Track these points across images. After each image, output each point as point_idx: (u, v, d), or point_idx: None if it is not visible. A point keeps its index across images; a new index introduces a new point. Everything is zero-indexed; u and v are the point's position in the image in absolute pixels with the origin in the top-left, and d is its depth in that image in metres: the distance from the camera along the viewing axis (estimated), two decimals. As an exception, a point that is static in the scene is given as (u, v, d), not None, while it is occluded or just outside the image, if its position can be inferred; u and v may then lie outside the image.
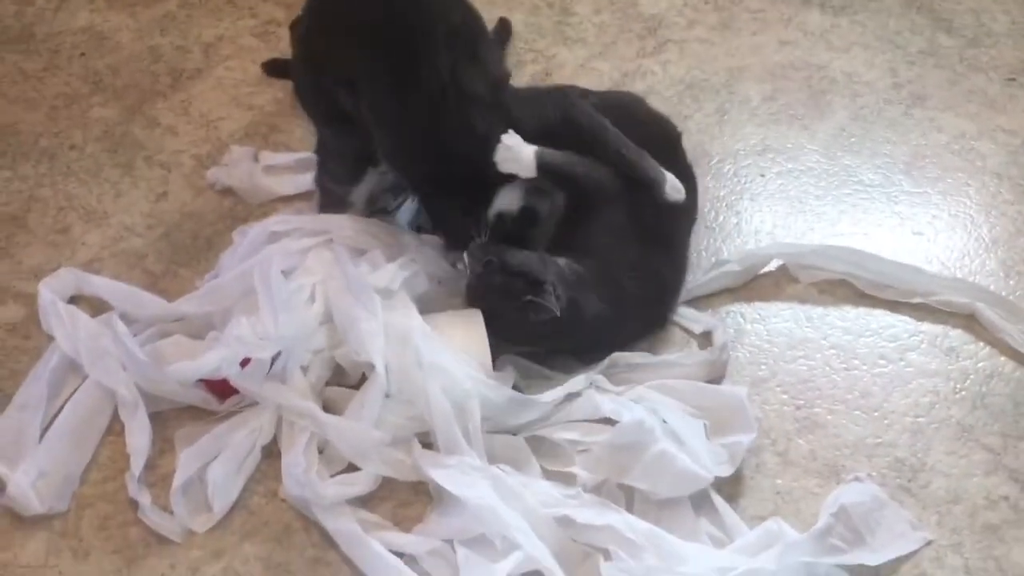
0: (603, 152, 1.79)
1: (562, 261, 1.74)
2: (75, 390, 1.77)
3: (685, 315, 1.85)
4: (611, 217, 1.78)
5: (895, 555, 1.60)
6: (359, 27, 1.80)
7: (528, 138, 1.77)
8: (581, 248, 1.77)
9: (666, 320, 1.84)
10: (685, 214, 1.86)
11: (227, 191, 2.04)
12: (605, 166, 1.80)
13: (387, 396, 1.68)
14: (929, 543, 1.62)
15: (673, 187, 1.80)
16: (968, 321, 1.85)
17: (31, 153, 2.12)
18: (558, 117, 1.81)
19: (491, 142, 1.76)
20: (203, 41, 2.31)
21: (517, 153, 1.76)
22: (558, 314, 1.68)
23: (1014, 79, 2.21)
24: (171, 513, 1.65)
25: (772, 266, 1.91)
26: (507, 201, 1.79)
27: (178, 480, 1.66)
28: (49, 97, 2.21)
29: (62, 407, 1.75)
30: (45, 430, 1.73)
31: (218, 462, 1.68)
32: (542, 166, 1.76)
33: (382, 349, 1.68)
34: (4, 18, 2.36)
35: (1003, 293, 1.89)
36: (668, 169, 1.82)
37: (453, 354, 1.69)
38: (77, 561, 1.62)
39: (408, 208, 1.94)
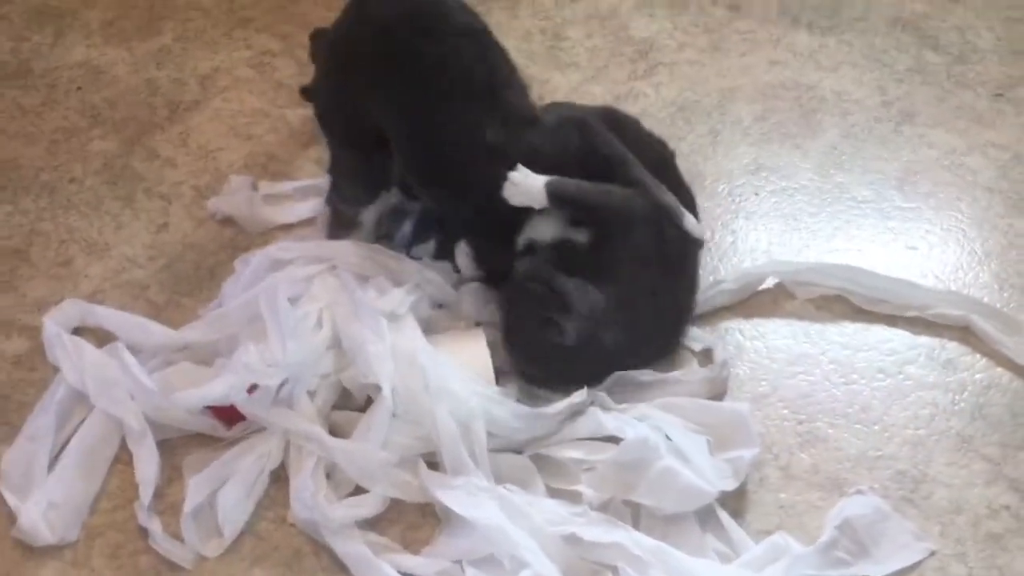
0: (624, 182, 1.81)
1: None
2: (82, 420, 1.77)
3: None
4: (628, 243, 1.80)
5: (900, 566, 1.61)
6: (378, 70, 1.84)
7: (548, 170, 1.79)
8: (600, 274, 1.78)
9: (678, 345, 1.85)
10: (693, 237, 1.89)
11: (227, 221, 2.05)
12: (622, 191, 1.82)
13: (394, 416, 1.70)
14: (933, 553, 1.63)
15: (692, 224, 1.83)
16: (964, 334, 1.88)
17: (31, 187, 2.13)
18: (580, 148, 1.83)
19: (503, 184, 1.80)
20: (199, 73, 2.33)
21: (526, 187, 1.78)
22: (570, 343, 1.70)
23: (1001, 94, 2.24)
24: (181, 540, 1.66)
25: (769, 283, 1.94)
26: (541, 230, 1.82)
27: (188, 506, 1.67)
28: (48, 131, 2.23)
29: (70, 438, 1.76)
30: (54, 460, 1.74)
31: (227, 487, 1.69)
32: (554, 195, 1.77)
33: (390, 371, 1.70)
34: (0, 54, 2.38)
35: (997, 305, 1.91)
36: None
37: (458, 373, 1.71)
38: (89, 590, 1.64)
39: (404, 234, 1.97)
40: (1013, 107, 2.21)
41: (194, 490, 1.69)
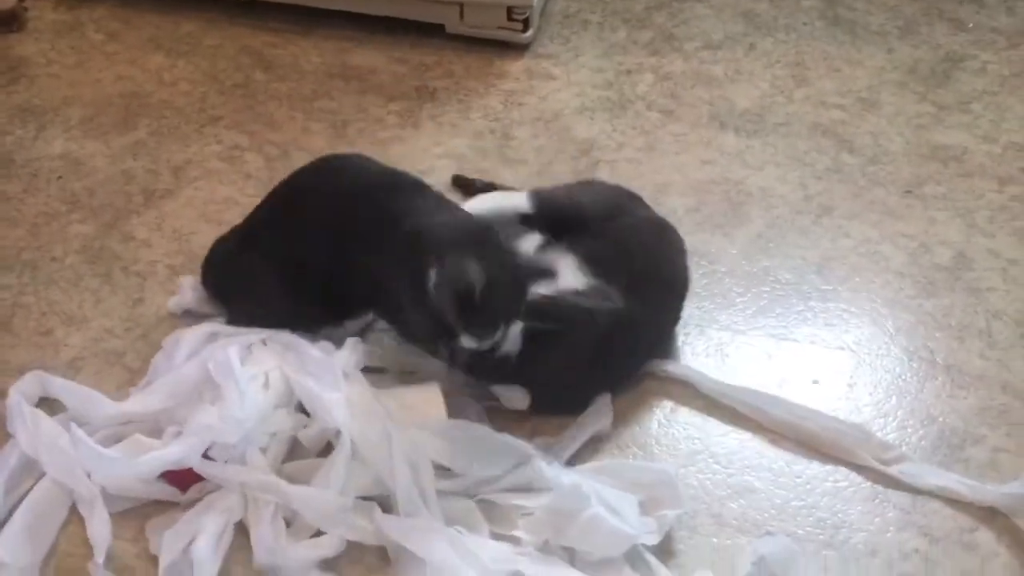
0: None
1: None
2: (31, 487, 1.88)
3: None
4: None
5: (809, 597, 1.77)
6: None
7: None
8: None
9: None
10: None
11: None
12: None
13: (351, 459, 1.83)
14: (841, 585, 1.80)
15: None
16: (878, 399, 2.07)
17: (14, 265, 2.28)
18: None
19: None
20: (173, 164, 2.50)
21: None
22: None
23: (910, 191, 2.46)
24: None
25: (700, 353, 2.12)
26: None
27: (164, 562, 1.78)
28: (30, 216, 2.38)
29: (19, 502, 1.86)
30: (2, 524, 1.83)
31: (199, 541, 1.79)
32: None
33: (347, 417, 1.84)
34: (-17, 146, 2.56)
35: (907, 376, 2.10)
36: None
37: (413, 417, 1.86)
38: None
39: None
40: (920, 202, 2.43)
41: (167, 547, 1.79)
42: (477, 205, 2.19)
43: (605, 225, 2.10)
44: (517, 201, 2.18)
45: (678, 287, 2.12)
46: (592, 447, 1.97)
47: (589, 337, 1.95)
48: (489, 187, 2.37)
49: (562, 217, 2.13)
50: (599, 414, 1.98)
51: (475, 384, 1.98)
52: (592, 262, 2.02)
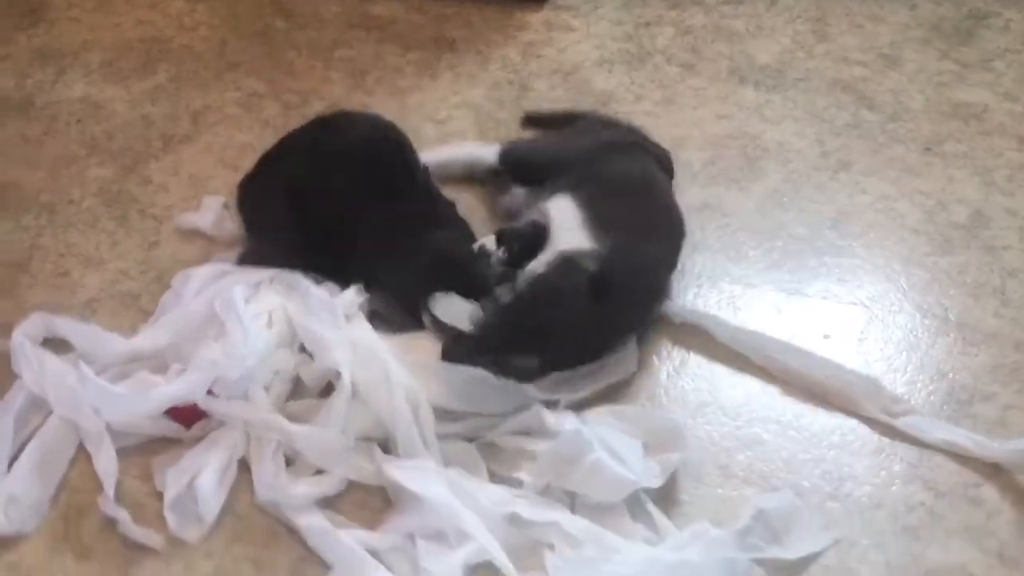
0: None
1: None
2: (39, 425, 1.90)
3: None
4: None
5: (807, 552, 1.77)
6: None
7: None
8: None
9: None
10: None
11: (211, 240, 2.21)
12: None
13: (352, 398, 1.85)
14: (837, 541, 1.79)
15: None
16: (888, 354, 2.06)
17: (32, 207, 2.30)
18: None
19: None
20: (192, 110, 2.51)
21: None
22: None
23: (930, 149, 2.44)
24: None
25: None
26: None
27: (169, 497, 1.81)
28: (49, 158, 2.40)
29: (27, 440, 1.89)
30: (13, 460, 1.87)
31: (203, 476, 1.82)
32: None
33: (349, 358, 1.86)
34: (5, 89, 2.57)
35: (919, 332, 2.09)
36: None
37: (412, 358, 1.88)
38: (79, 561, 1.77)
39: None
40: (940, 160, 2.41)
41: (172, 481, 1.82)
42: (446, 152, 2.26)
43: (587, 171, 2.10)
44: (485, 153, 2.24)
45: (670, 228, 2.12)
46: (600, 395, 1.98)
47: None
48: (561, 117, 2.40)
49: (537, 170, 2.16)
50: (623, 360, 1.99)
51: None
52: (579, 208, 2.02)
